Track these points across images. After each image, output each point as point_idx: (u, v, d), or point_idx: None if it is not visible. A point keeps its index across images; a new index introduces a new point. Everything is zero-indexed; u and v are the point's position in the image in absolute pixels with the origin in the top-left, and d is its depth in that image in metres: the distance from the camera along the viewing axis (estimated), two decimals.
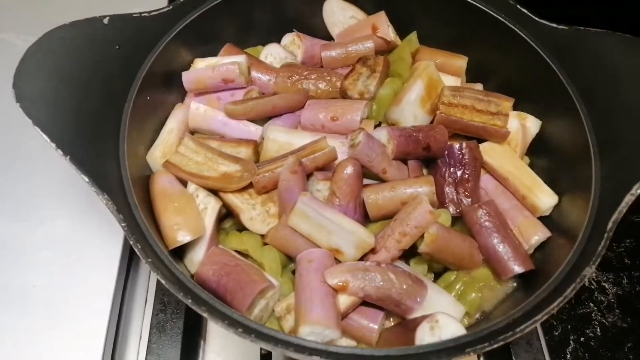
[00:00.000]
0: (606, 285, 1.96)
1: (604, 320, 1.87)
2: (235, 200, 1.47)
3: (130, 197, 1.30)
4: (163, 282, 1.12)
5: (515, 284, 1.51)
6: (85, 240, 1.73)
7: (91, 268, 1.68)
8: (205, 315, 1.09)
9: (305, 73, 1.74)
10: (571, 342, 1.82)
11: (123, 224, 1.19)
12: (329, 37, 2.02)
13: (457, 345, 1.12)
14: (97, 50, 1.42)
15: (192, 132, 1.70)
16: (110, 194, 1.22)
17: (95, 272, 1.67)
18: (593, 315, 1.88)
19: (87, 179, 1.21)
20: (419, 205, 1.39)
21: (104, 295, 1.62)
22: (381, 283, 1.32)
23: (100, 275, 1.65)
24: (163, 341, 1.60)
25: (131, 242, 1.17)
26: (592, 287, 1.96)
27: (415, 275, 1.37)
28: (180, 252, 1.46)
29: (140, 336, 1.79)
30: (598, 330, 1.85)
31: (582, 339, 1.81)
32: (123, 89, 1.46)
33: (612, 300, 1.91)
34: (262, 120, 1.68)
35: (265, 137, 1.58)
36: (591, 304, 1.91)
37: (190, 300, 1.10)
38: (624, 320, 1.86)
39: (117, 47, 1.47)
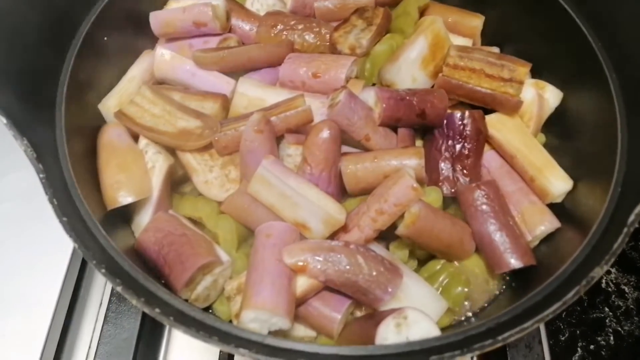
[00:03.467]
0: (626, 289, 1.74)
1: (619, 328, 1.66)
2: (192, 160, 1.29)
3: (62, 147, 1.13)
4: (75, 245, 0.95)
5: (512, 281, 1.30)
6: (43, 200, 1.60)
7: (52, 226, 1.54)
8: (118, 289, 0.91)
9: (292, 23, 1.53)
10: (579, 349, 1.62)
11: (41, 175, 1.01)
12: None
13: (422, 350, 0.92)
14: None
15: (160, 84, 1.51)
16: (32, 140, 1.04)
17: (56, 231, 1.53)
18: (607, 321, 1.68)
19: (4, 120, 1.03)
20: (400, 180, 1.17)
21: (62, 255, 1.49)
22: (347, 267, 1.12)
23: (60, 235, 1.51)
24: (122, 310, 1.48)
25: (47, 197, 1.00)
26: (610, 289, 1.75)
27: (389, 261, 1.16)
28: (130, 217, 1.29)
29: (100, 303, 1.65)
30: (611, 338, 1.65)
31: (591, 346, 1.63)
32: (72, 24, 1.28)
33: (632, 307, 1.70)
34: (238, 74, 1.48)
35: (235, 90, 1.38)
36: (606, 309, 1.70)
37: (103, 270, 0.93)
38: None
39: None
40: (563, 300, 0.97)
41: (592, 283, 1.00)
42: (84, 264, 1.61)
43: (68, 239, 0.99)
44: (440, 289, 1.25)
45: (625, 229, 1.04)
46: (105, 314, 1.46)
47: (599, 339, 1.64)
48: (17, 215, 1.57)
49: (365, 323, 1.14)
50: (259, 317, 1.05)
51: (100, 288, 1.65)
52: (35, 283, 1.46)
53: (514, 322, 0.97)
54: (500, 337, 0.92)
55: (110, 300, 1.51)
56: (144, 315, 1.44)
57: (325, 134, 1.24)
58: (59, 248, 1.51)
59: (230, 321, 1.17)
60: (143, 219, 1.25)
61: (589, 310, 1.68)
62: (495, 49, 1.64)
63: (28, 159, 1.04)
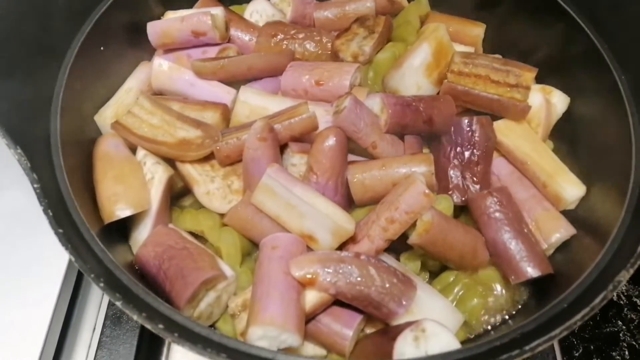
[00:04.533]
0: (638, 302, 1.69)
1: (634, 342, 1.61)
2: (192, 171, 1.24)
3: (57, 158, 1.08)
4: (72, 258, 0.88)
5: (528, 291, 1.26)
6: (40, 215, 1.53)
7: (44, 246, 1.46)
8: (118, 304, 0.85)
9: (292, 32, 1.50)
10: None
11: (35, 185, 0.96)
12: None
13: None
14: None
15: (158, 94, 1.47)
16: (26, 149, 0.99)
17: (48, 250, 1.45)
18: (621, 335, 1.62)
19: None
20: (411, 186, 1.13)
21: (55, 275, 1.40)
22: (358, 279, 1.06)
23: (52, 255, 1.43)
24: (117, 335, 1.40)
25: (42, 208, 0.94)
26: (622, 302, 1.71)
27: (402, 272, 1.11)
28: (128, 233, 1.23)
29: (94, 327, 1.57)
30: (626, 353, 1.59)
31: None
32: (67, 33, 1.24)
33: None
34: (238, 84, 1.44)
35: (237, 98, 1.34)
36: (619, 322, 1.65)
37: (102, 284, 0.86)
38: None
39: None
40: (591, 306, 0.93)
41: (618, 287, 0.96)
42: (76, 288, 1.54)
43: (63, 252, 0.93)
44: (455, 301, 1.20)
45: None
46: (100, 339, 1.39)
47: (614, 354, 1.59)
48: (6, 236, 1.49)
49: (379, 339, 1.08)
50: (267, 334, 0.98)
51: (94, 312, 1.57)
52: (26, 308, 1.38)
53: (541, 330, 0.92)
54: (527, 347, 0.87)
55: (104, 324, 1.43)
56: (140, 340, 1.37)
57: (331, 141, 1.19)
58: (51, 271, 1.43)
59: None
60: (142, 233, 1.19)
61: (602, 324, 1.63)
62: (498, 57, 1.62)
63: (22, 169, 0.98)
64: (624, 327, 1.63)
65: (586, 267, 1.06)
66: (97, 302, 1.57)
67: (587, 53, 1.35)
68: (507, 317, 1.21)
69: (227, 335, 0.87)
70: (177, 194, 1.33)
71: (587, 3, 1.38)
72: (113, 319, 1.43)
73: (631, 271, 0.96)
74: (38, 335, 1.34)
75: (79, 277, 1.54)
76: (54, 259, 1.44)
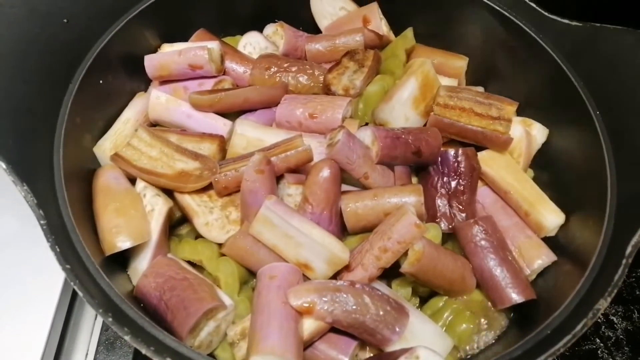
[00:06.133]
0: (615, 319, 1.76)
1: (611, 359, 1.67)
2: (191, 202, 1.27)
3: (61, 192, 1.10)
4: (80, 293, 0.91)
5: (513, 316, 1.31)
6: (32, 241, 1.53)
7: (37, 272, 1.47)
8: (127, 338, 0.88)
9: (285, 65, 1.55)
10: None
11: (42, 222, 0.98)
12: (318, 31, 1.83)
13: None
14: (39, 22, 1.23)
15: (154, 125, 1.50)
16: (32, 185, 1.02)
17: (41, 277, 1.46)
18: (599, 352, 1.69)
19: (4, 166, 1.01)
20: (403, 217, 1.18)
21: (48, 302, 1.40)
22: (354, 307, 1.11)
23: (45, 281, 1.44)
24: None
25: (49, 244, 0.96)
26: (600, 320, 1.77)
27: (395, 300, 1.16)
28: (125, 261, 1.25)
29: (87, 353, 1.57)
30: None
31: None
32: (68, 69, 1.27)
33: (621, 337, 1.72)
34: (233, 115, 1.49)
35: (234, 131, 1.38)
36: (597, 340, 1.72)
37: (110, 319, 0.89)
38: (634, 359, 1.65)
39: (65, 20, 1.28)
40: (572, 334, 0.99)
41: (597, 315, 1.03)
42: (68, 313, 1.54)
43: (56, 278, 0.94)
44: (445, 326, 1.25)
45: (625, 261, 1.08)
46: None
47: None
48: None
49: None
50: None
51: (86, 337, 1.57)
52: (20, 334, 1.38)
53: (526, 357, 0.98)
54: None
55: (97, 350, 1.45)
56: None
57: (325, 172, 1.24)
58: (44, 297, 1.43)
59: None
60: (141, 263, 1.21)
61: (581, 342, 1.69)
62: (480, 89, 1.70)
63: (28, 206, 1.01)
64: (601, 344, 1.69)
65: (567, 293, 1.12)
66: (89, 328, 1.57)
67: (565, 89, 1.43)
68: (493, 341, 1.27)
69: None
70: (175, 223, 1.36)
71: (565, 41, 1.46)
72: (106, 344, 1.45)
73: (609, 299, 1.02)
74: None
75: (72, 303, 1.54)
76: (46, 286, 1.44)
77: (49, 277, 1.44)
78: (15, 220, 1.55)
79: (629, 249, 1.08)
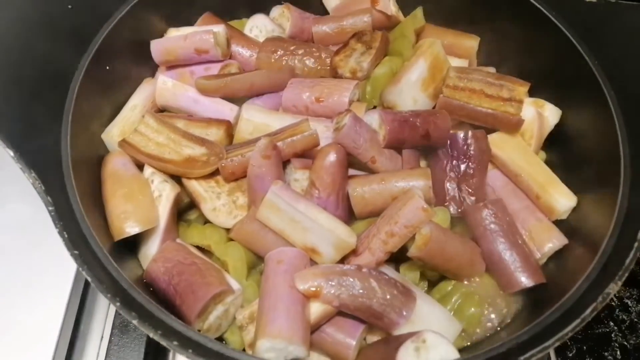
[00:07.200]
0: (629, 303, 1.74)
1: (625, 342, 1.65)
2: (199, 188, 1.27)
3: (69, 179, 1.11)
4: (88, 278, 0.92)
5: (523, 300, 1.30)
6: (46, 227, 1.56)
7: (51, 257, 1.50)
8: (135, 322, 0.89)
9: (292, 48, 1.54)
10: None
11: (50, 208, 1.00)
12: (325, 13, 1.81)
13: None
14: (43, 8, 1.23)
15: (162, 111, 1.50)
16: (40, 172, 1.03)
17: (55, 261, 1.48)
18: (613, 335, 1.67)
19: (12, 153, 1.02)
20: (410, 201, 1.17)
21: (63, 286, 1.44)
22: (360, 291, 1.11)
23: (59, 265, 1.46)
24: (125, 343, 1.44)
25: (57, 230, 0.98)
26: (613, 304, 1.75)
27: (402, 283, 1.15)
28: (136, 247, 1.27)
29: (102, 336, 1.61)
30: (618, 353, 1.63)
31: None
32: (74, 55, 1.27)
33: (635, 320, 1.70)
34: (240, 100, 1.48)
35: (240, 116, 1.38)
36: (611, 323, 1.69)
37: (118, 304, 0.91)
38: None
39: (69, 5, 1.28)
40: (581, 318, 0.98)
41: (607, 299, 1.01)
42: (83, 297, 1.57)
43: (70, 263, 0.96)
44: (454, 310, 1.24)
45: (637, 244, 1.06)
46: (108, 348, 1.42)
47: (606, 354, 1.63)
48: (13, 248, 1.53)
49: (382, 348, 1.13)
50: (275, 347, 1.03)
51: (101, 320, 1.60)
52: (35, 318, 1.41)
53: (535, 341, 0.97)
54: (522, 357, 0.92)
55: (112, 332, 1.47)
56: (148, 347, 1.41)
57: (332, 157, 1.24)
58: (58, 282, 1.46)
59: (244, 350, 1.14)
60: (150, 249, 1.22)
61: (594, 325, 1.67)
62: (492, 69, 1.66)
63: (36, 192, 1.02)
64: (615, 327, 1.67)
65: (578, 277, 1.11)
66: (104, 311, 1.60)
67: (578, 68, 1.39)
68: (502, 325, 1.26)
69: (237, 350, 0.92)
70: (183, 209, 1.37)
71: (578, 19, 1.42)
72: (120, 327, 1.47)
73: (619, 283, 1.01)
74: (47, 345, 1.37)
75: (86, 287, 1.57)
76: (61, 270, 1.47)
77: (63, 262, 1.47)
78: (27, 207, 1.58)
79: None
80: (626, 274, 1.03)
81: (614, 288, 1.00)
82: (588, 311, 0.97)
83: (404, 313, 1.12)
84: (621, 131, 1.27)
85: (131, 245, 1.28)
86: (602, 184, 1.28)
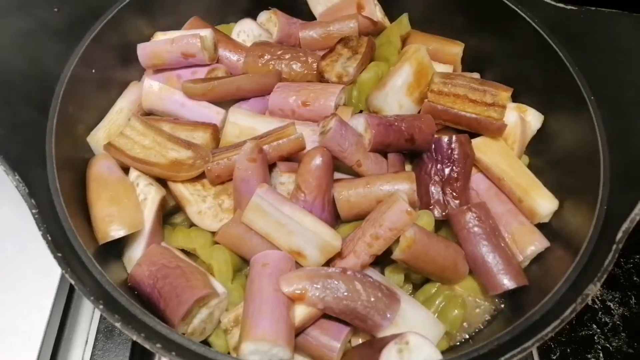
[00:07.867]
0: (611, 305, 1.77)
1: (608, 345, 1.68)
2: (184, 191, 1.28)
3: (53, 182, 1.11)
4: (71, 281, 0.92)
5: (505, 301, 1.31)
6: (30, 231, 1.55)
7: (35, 261, 1.48)
8: (118, 325, 0.89)
9: (279, 52, 1.55)
10: None
11: (34, 211, 0.99)
12: (312, 19, 1.82)
13: None
14: (30, 11, 1.23)
15: (148, 114, 1.50)
16: (23, 175, 1.03)
17: (40, 265, 1.47)
18: (596, 338, 1.69)
19: None
20: (394, 204, 1.18)
21: (47, 291, 1.43)
22: (345, 294, 1.11)
23: (44, 270, 1.45)
24: (109, 348, 1.43)
25: (40, 233, 0.97)
26: (596, 306, 1.77)
27: (387, 286, 1.16)
28: (121, 250, 1.27)
29: (86, 341, 1.60)
30: (601, 355, 1.66)
31: None
32: (59, 58, 1.27)
33: (618, 323, 1.73)
34: (226, 103, 1.48)
35: (226, 119, 1.38)
36: (594, 326, 1.72)
37: (101, 306, 0.90)
38: (630, 345, 1.67)
39: (55, 9, 1.28)
40: (561, 319, 0.99)
41: (586, 300, 1.03)
42: (67, 302, 1.56)
43: (55, 267, 0.96)
44: (437, 312, 1.25)
45: (615, 246, 1.08)
46: (92, 353, 1.42)
47: (589, 356, 1.65)
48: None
49: (365, 350, 1.14)
50: (259, 349, 1.03)
51: (86, 325, 1.59)
52: (18, 323, 1.40)
53: (515, 342, 0.98)
54: (503, 358, 0.93)
55: (96, 337, 1.46)
56: (132, 353, 1.41)
57: (318, 160, 1.25)
58: (43, 286, 1.45)
59: (229, 354, 1.14)
60: (135, 252, 1.22)
61: (577, 328, 1.70)
62: (476, 75, 1.69)
63: (20, 195, 1.02)
64: (598, 330, 1.70)
65: (558, 279, 1.13)
66: (89, 316, 1.59)
67: (560, 74, 1.42)
68: (484, 326, 1.28)
69: (221, 353, 0.93)
70: (169, 212, 1.37)
71: (560, 26, 1.44)
72: (105, 332, 1.46)
73: (598, 285, 1.03)
74: (31, 351, 1.36)
75: (71, 291, 1.56)
76: (45, 275, 1.46)
77: (47, 266, 1.46)
78: (11, 210, 1.56)
79: (619, 235, 1.08)
80: (605, 276, 1.05)
81: (592, 289, 1.02)
82: (567, 312, 0.99)
83: (388, 315, 1.13)
84: (601, 136, 1.30)
85: (116, 249, 1.27)
86: (583, 188, 1.30)
